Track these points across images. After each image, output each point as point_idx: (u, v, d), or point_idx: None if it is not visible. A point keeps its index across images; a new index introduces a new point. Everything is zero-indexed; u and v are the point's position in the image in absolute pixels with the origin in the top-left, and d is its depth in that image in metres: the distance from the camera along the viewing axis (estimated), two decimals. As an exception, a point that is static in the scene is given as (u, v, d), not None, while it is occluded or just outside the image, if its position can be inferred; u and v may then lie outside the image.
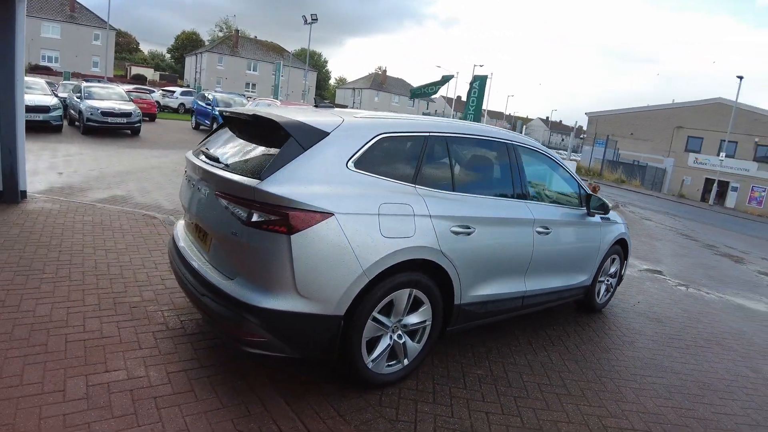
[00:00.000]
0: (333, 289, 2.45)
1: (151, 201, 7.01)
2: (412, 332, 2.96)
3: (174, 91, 32.63)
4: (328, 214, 2.41)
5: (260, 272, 2.43)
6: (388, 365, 2.87)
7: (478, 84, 19.31)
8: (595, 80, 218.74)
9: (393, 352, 2.87)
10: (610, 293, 5.03)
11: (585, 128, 45.76)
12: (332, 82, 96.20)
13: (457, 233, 2.93)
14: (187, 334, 3.18)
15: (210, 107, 18.96)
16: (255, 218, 2.38)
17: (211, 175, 2.72)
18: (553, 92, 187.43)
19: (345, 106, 45.68)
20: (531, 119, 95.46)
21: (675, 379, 3.71)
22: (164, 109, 29.28)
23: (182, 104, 30.79)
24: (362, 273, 2.49)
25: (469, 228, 3.00)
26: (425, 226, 2.77)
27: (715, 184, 33.99)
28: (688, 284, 7.07)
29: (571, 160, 21.47)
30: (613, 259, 4.86)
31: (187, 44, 74.60)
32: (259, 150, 2.74)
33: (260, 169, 2.47)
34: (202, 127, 20.39)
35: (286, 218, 2.33)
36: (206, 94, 21.13)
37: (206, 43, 73.01)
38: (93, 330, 3.06)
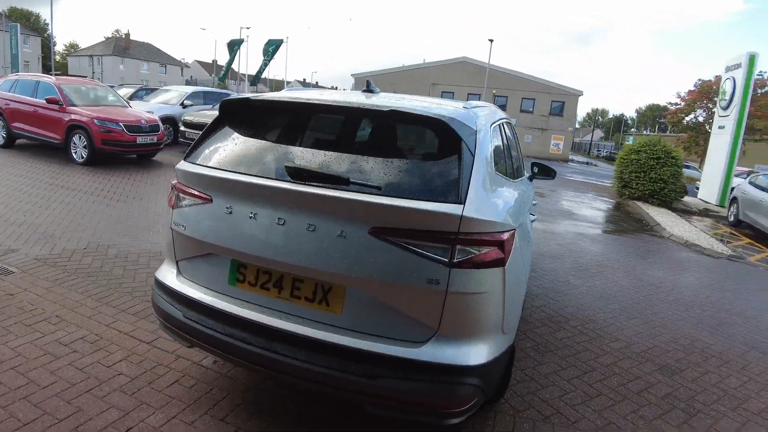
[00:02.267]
0: (518, 312, 2.28)
1: None
2: None
3: None
4: (513, 230, 2.04)
5: (470, 321, 1.92)
6: None
7: (272, 48, 17.93)
8: (354, 44, 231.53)
9: None
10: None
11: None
12: (60, 48, 77.57)
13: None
14: None
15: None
16: (461, 256, 1.83)
17: (351, 205, 1.87)
18: (315, 55, 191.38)
19: (84, 77, 37.25)
20: (290, 82, 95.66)
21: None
22: None
23: None
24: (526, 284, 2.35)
25: None
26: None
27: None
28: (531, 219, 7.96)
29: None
30: None
31: None
32: (405, 159, 2.21)
33: (445, 188, 1.88)
34: None
35: (501, 246, 1.91)
36: None
37: None
38: None
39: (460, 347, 1.88)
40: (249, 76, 27.99)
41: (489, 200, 2.01)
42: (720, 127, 14.35)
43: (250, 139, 2.30)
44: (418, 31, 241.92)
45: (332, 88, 49.43)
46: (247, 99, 2.32)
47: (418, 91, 43.53)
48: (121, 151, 9.29)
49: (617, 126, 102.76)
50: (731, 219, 11.42)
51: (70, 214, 5.73)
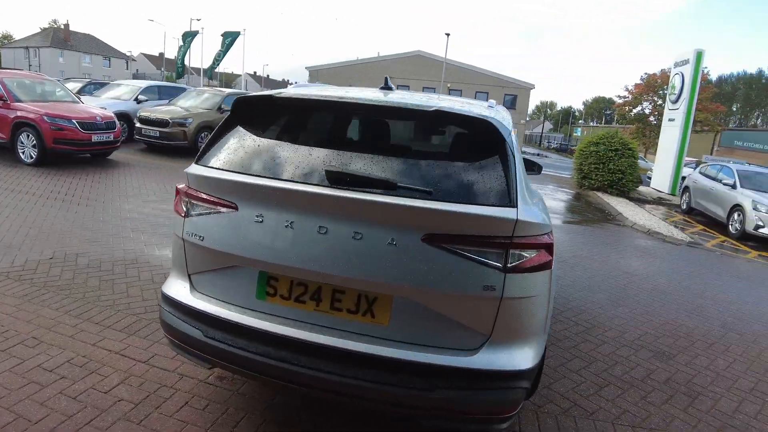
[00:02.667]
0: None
1: None
2: None
3: None
4: (551, 231, 2.01)
5: (521, 326, 1.89)
6: None
7: (229, 40, 17.25)
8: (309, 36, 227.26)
9: None
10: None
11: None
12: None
13: None
14: None
15: None
16: (514, 261, 1.80)
17: (403, 212, 1.78)
18: (267, 48, 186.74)
19: (21, 70, 34.47)
20: (239, 75, 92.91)
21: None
22: None
23: None
24: None
25: None
26: None
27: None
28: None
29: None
30: None
31: None
32: (451, 161, 2.10)
33: (496, 191, 1.84)
34: None
35: (549, 249, 1.90)
36: None
37: None
38: None
39: (512, 352, 1.85)
40: (203, 69, 26.93)
41: (531, 202, 1.98)
42: (670, 120, 15.10)
43: (275, 140, 2.14)
44: (373, 24, 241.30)
45: (284, 81, 48.40)
46: (270, 96, 2.15)
47: (373, 85, 42.88)
48: (75, 150, 8.66)
49: (565, 118, 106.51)
50: (684, 207, 12.07)
51: (28, 220, 5.26)
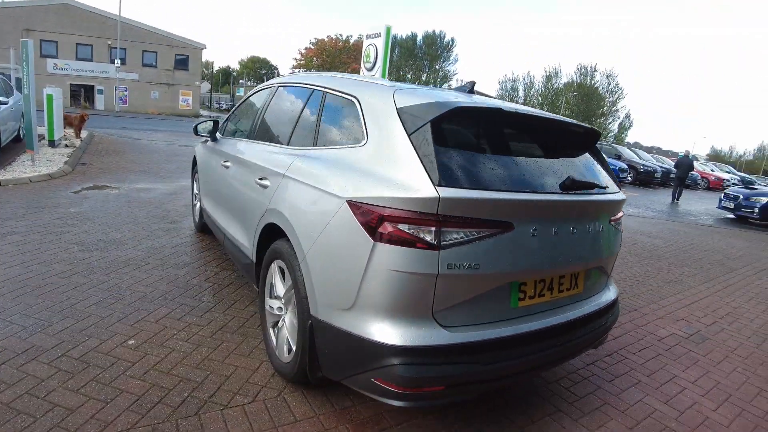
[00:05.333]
0: None
1: None
2: None
3: None
4: None
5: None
6: None
7: None
8: None
9: None
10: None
11: None
12: None
13: None
14: None
15: None
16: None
17: (604, 206, 2.39)
18: None
19: None
20: None
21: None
22: None
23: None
24: None
25: None
26: None
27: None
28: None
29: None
30: None
31: None
32: (570, 159, 2.45)
33: (611, 180, 2.57)
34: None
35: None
36: None
37: None
38: None
39: (613, 287, 2.72)
40: None
41: None
42: (363, 84, 17.68)
43: (500, 153, 2.16)
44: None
45: None
46: (500, 110, 2.16)
47: (5, 40, 31.30)
48: None
49: (226, 78, 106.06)
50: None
51: None
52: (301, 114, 2.88)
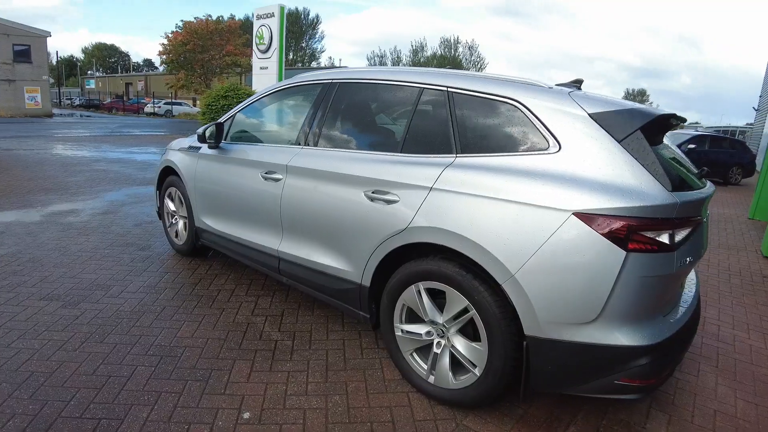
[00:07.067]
0: None
1: None
2: None
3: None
4: None
5: None
6: None
7: None
8: None
9: None
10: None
11: None
12: None
13: None
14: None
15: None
16: None
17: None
18: None
19: None
20: None
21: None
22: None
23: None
24: None
25: None
26: None
27: None
28: None
29: None
30: None
31: None
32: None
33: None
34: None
35: None
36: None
37: None
38: None
39: None
40: None
41: None
42: (262, 68, 17.17)
43: (668, 156, 2.27)
44: None
45: None
46: (674, 115, 2.28)
47: None
48: None
49: (70, 70, 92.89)
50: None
51: None
52: (412, 117, 2.56)
